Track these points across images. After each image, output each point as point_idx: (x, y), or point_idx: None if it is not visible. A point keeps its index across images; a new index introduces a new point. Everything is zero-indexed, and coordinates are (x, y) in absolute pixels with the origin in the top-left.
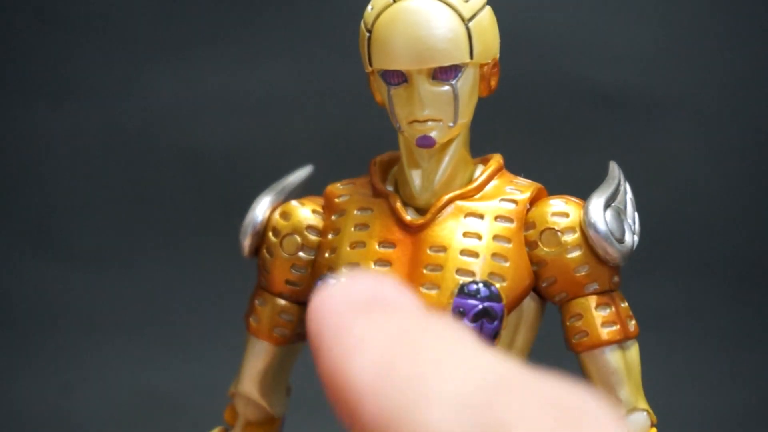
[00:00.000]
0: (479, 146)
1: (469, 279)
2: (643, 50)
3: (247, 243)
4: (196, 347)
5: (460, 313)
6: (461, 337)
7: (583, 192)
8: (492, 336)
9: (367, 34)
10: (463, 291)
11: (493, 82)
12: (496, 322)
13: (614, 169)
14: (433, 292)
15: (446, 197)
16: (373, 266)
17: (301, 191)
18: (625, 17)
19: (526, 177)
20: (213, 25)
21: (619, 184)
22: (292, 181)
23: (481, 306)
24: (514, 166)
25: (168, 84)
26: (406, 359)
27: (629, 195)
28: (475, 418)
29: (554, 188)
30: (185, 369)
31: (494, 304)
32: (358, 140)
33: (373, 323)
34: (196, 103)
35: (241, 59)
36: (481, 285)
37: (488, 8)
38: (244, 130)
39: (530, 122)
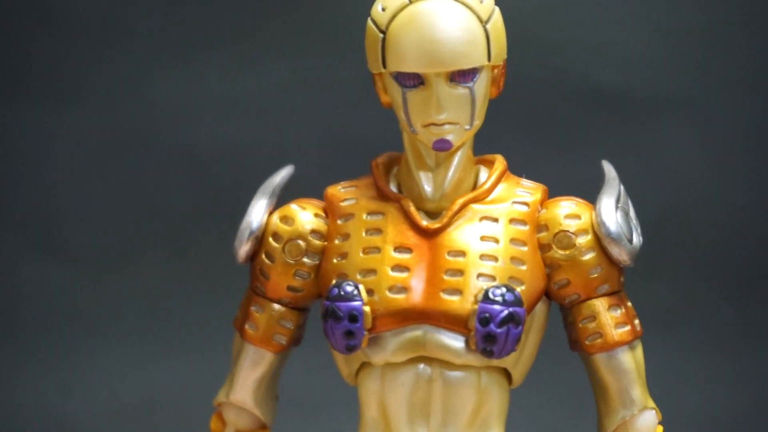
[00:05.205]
0: (479, 147)
1: (492, 284)
2: (643, 50)
3: (244, 249)
4: (196, 348)
5: (485, 318)
6: None
7: (582, 192)
8: (516, 341)
9: (381, 36)
10: (488, 296)
11: (502, 83)
12: (520, 327)
13: (611, 169)
14: (455, 298)
15: (460, 201)
16: (390, 272)
17: (285, 192)
18: (625, 17)
19: (527, 178)
20: (213, 27)
21: (620, 184)
22: (280, 182)
23: (507, 311)
24: (514, 167)
25: (169, 85)
26: None
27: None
28: None
29: (554, 189)
30: (185, 370)
31: (518, 309)
32: (358, 141)
33: None
34: (196, 105)
35: (242, 60)
36: (505, 290)
37: (497, 8)
38: (245, 132)
39: (529, 122)
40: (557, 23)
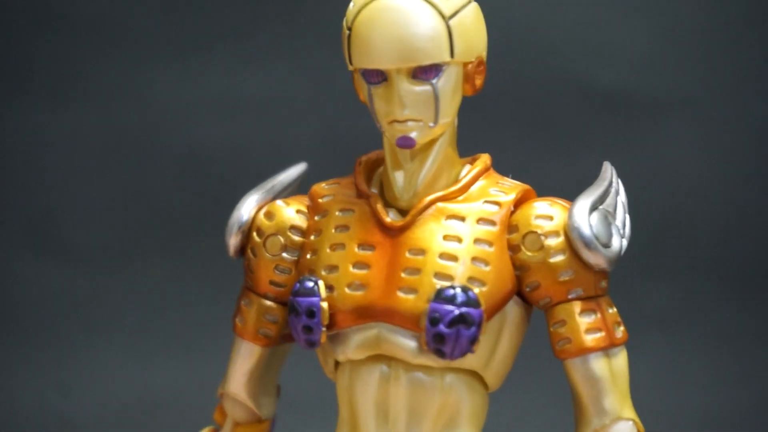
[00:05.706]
0: (476, 147)
1: (447, 283)
2: (643, 50)
3: (232, 242)
4: (196, 348)
5: (435, 318)
6: None
7: (581, 193)
8: (470, 342)
9: (347, 32)
10: (439, 296)
11: (479, 82)
12: (473, 328)
13: (606, 169)
14: (411, 296)
15: (427, 199)
16: (351, 269)
17: (295, 190)
18: (625, 17)
19: (515, 178)
20: (213, 27)
21: (609, 186)
22: (283, 180)
23: (457, 312)
24: (513, 167)
25: (168, 85)
26: None
27: (621, 197)
28: None
29: (553, 189)
30: (185, 370)
31: (471, 310)
32: (358, 141)
33: None
34: (196, 105)
35: (242, 60)
36: (458, 290)
37: (473, 5)
38: (245, 132)
39: (529, 122)
40: (557, 23)
